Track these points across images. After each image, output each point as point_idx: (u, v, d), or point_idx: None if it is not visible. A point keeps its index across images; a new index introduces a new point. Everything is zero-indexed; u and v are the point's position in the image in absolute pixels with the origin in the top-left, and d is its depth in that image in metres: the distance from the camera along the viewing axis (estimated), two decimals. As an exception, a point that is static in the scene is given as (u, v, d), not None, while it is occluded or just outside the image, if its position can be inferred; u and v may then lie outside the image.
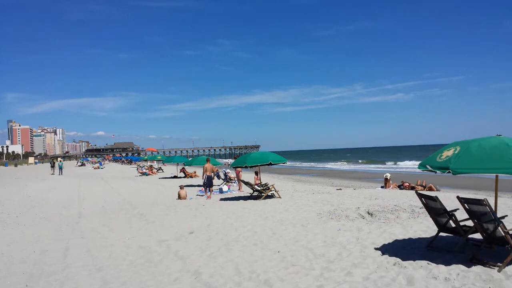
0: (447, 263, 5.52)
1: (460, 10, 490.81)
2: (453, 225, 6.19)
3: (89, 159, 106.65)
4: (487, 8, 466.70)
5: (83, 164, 74.80)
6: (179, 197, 16.16)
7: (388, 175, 18.51)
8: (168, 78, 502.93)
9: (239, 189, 19.40)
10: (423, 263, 5.62)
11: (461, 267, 5.30)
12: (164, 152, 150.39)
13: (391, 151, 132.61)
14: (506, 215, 6.25)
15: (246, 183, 16.16)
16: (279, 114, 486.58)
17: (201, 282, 5.67)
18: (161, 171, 40.07)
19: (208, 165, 16.83)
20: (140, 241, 8.64)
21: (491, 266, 5.21)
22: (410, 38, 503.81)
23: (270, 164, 15.06)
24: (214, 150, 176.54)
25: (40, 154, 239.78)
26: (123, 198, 17.50)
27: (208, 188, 16.55)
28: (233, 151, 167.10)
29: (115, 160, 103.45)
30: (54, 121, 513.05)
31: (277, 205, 12.62)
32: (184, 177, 30.28)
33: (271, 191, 15.16)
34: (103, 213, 13.21)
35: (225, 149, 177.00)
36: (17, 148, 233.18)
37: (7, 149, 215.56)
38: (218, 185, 20.52)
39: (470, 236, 6.15)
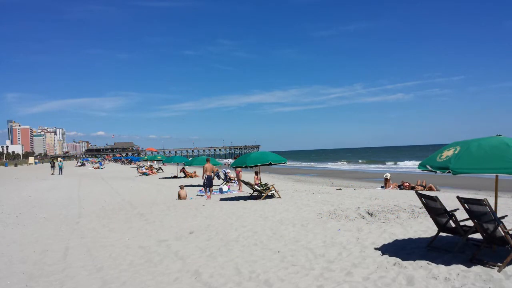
0: (447, 263, 5.51)
1: (460, 10, 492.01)
2: (453, 225, 6.19)
3: (89, 159, 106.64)
4: (487, 8, 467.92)
5: (83, 164, 74.78)
6: (179, 197, 16.16)
7: (388, 175, 18.51)
8: (168, 78, 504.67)
9: (239, 189, 19.39)
10: (423, 263, 5.62)
11: (461, 267, 5.30)
12: (164, 152, 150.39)
13: (391, 151, 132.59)
14: (506, 215, 6.25)
15: (246, 183, 16.16)
16: (279, 114, 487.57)
17: (201, 282, 5.67)
18: (161, 171, 40.06)
19: (208, 165, 16.83)
20: (140, 241, 8.64)
21: (491, 266, 5.21)
22: (410, 38, 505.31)
23: (270, 164, 15.06)
24: (214, 150, 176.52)
25: (40, 154, 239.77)
26: (123, 198, 17.49)
27: (208, 188, 16.55)
28: (233, 151, 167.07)
29: (115, 160, 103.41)
30: (54, 121, 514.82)
31: (277, 205, 12.62)
32: (184, 177, 30.28)
33: (271, 191, 15.15)
34: (103, 213, 13.21)
35: (225, 149, 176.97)
36: (17, 148, 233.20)
37: (7, 149, 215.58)
38: (218, 185, 20.52)
39: (470, 236, 6.14)
